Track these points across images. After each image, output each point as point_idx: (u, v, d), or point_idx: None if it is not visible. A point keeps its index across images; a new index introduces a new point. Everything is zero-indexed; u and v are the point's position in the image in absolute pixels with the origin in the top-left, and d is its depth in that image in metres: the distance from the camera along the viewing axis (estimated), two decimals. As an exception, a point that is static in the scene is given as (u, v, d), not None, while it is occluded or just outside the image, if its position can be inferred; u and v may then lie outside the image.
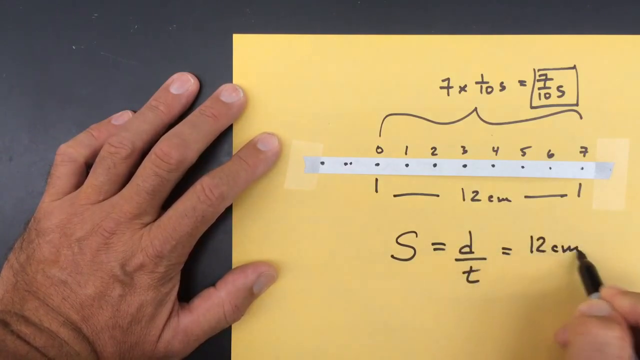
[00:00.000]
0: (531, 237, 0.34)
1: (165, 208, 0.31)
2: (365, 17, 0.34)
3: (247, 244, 0.34)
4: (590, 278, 0.31)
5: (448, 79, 0.34)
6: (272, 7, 0.34)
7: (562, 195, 0.34)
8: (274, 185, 0.34)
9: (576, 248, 0.33)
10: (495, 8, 0.34)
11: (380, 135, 0.34)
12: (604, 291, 0.30)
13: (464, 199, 0.34)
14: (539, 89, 0.34)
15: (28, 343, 0.28)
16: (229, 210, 0.34)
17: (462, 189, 0.34)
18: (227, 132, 0.34)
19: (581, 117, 0.33)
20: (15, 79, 0.35)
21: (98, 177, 0.31)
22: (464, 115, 0.34)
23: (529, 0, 0.34)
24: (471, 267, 0.34)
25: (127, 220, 0.30)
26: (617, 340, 0.26)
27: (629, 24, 0.33)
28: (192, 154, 0.31)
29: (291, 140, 0.34)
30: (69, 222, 0.30)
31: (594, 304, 0.29)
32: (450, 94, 0.34)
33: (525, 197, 0.34)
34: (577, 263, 0.33)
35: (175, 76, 0.34)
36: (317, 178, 0.34)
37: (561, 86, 0.33)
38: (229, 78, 0.34)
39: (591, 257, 0.33)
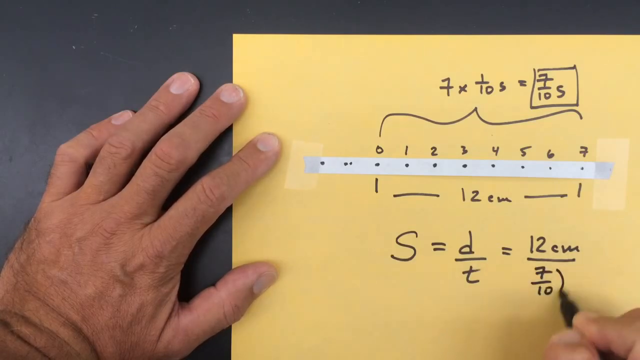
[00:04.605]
0: (531, 237, 0.34)
1: (166, 208, 0.31)
2: (365, 17, 0.34)
3: (247, 244, 0.34)
4: (571, 315, 0.31)
5: (448, 79, 0.34)
6: (272, 7, 0.34)
7: (562, 195, 0.34)
8: (274, 185, 0.34)
9: (561, 288, 0.33)
10: (495, 8, 0.34)
11: (380, 135, 0.34)
12: (576, 320, 0.29)
13: (464, 199, 0.34)
14: (539, 89, 0.34)
15: (28, 343, 0.28)
16: (229, 210, 0.34)
17: (462, 189, 0.34)
18: (227, 132, 0.34)
19: (581, 117, 0.33)
20: (15, 79, 0.35)
21: (98, 177, 0.31)
22: (464, 115, 0.34)
23: (529, 0, 0.34)
24: (471, 267, 0.34)
25: (127, 221, 0.30)
26: None
27: (629, 24, 0.33)
28: (192, 154, 0.31)
29: (291, 140, 0.34)
30: (69, 222, 0.30)
31: (564, 334, 0.29)
32: (450, 94, 0.34)
33: (525, 197, 0.34)
34: (559, 301, 0.33)
35: (175, 76, 0.34)
36: (317, 178, 0.34)
37: (561, 86, 0.33)
38: (229, 78, 0.34)
39: (591, 257, 0.33)
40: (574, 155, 0.33)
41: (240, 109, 0.34)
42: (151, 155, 0.30)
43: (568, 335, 0.29)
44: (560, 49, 0.33)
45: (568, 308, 0.32)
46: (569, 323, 0.31)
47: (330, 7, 0.34)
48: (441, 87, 0.34)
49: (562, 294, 0.33)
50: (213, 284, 0.33)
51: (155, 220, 0.31)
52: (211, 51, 0.34)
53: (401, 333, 0.34)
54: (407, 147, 0.34)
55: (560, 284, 0.34)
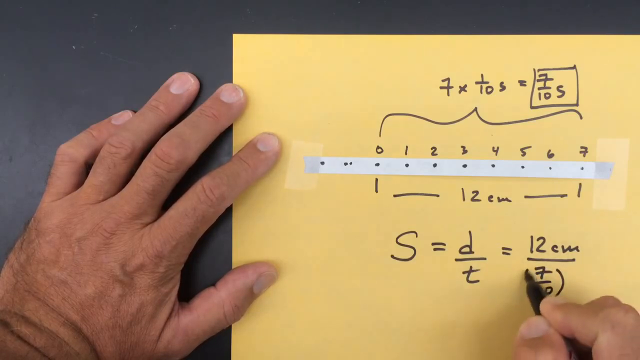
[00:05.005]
0: (531, 237, 0.34)
1: (166, 208, 0.31)
2: (365, 17, 0.34)
3: (247, 244, 0.34)
4: (536, 298, 0.31)
5: (448, 79, 0.34)
6: (272, 7, 0.34)
7: (562, 195, 0.34)
8: (274, 185, 0.34)
9: (526, 270, 0.33)
10: (495, 8, 0.34)
11: (380, 135, 0.34)
12: (542, 307, 0.29)
13: (464, 199, 0.34)
14: (539, 89, 0.34)
15: (28, 343, 0.28)
16: (229, 210, 0.34)
17: (462, 189, 0.34)
18: (227, 132, 0.34)
19: (581, 117, 0.33)
20: (15, 79, 0.35)
21: (98, 177, 0.31)
22: (464, 115, 0.34)
23: (529, 0, 0.34)
24: (471, 267, 0.34)
25: (127, 221, 0.30)
26: None
27: (629, 24, 0.33)
28: (192, 154, 0.31)
29: (291, 140, 0.34)
30: (69, 222, 0.30)
31: (531, 323, 0.29)
32: (450, 94, 0.34)
33: (525, 197, 0.34)
34: (525, 284, 0.33)
35: (175, 76, 0.34)
36: (317, 178, 0.34)
37: (561, 86, 0.33)
38: (229, 78, 0.34)
39: (591, 257, 0.33)
40: (574, 155, 0.33)
41: (240, 109, 0.34)
42: (151, 155, 0.30)
43: (535, 324, 0.29)
44: (560, 49, 0.33)
45: (533, 292, 0.32)
46: (536, 308, 0.31)
47: (330, 7, 0.34)
48: (441, 87, 0.34)
49: (528, 277, 0.33)
50: (213, 284, 0.33)
51: (155, 220, 0.31)
52: (211, 51, 0.34)
53: (401, 333, 0.34)
54: (407, 147, 0.34)
55: (561, 284, 0.34)
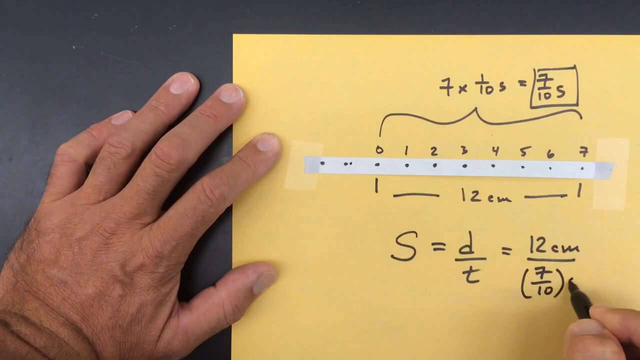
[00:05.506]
0: (531, 237, 0.34)
1: (166, 208, 0.31)
2: (365, 17, 0.34)
3: (247, 244, 0.34)
4: (582, 304, 0.31)
5: (448, 79, 0.34)
6: (272, 7, 0.34)
7: (562, 195, 0.34)
8: (274, 185, 0.34)
9: (570, 279, 0.33)
10: (495, 8, 0.34)
11: (380, 135, 0.34)
12: (592, 311, 0.30)
13: (464, 199, 0.34)
14: (539, 89, 0.34)
15: (28, 343, 0.28)
16: (229, 210, 0.34)
17: (462, 189, 0.34)
18: (227, 132, 0.34)
19: (581, 117, 0.33)
20: (15, 79, 0.35)
21: (98, 177, 0.31)
22: (464, 115, 0.34)
23: (529, 0, 0.34)
24: (471, 267, 0.34)
25: (127, 221, 0.30)
26: (613, 355, 0.27)
27: (629, 24, 0.33)
28: (192, 154, 0.31)
29: (291, 140, 0.34)
30: (69, 222, 0.30)
31: (584, 323, 0.29)
32: (450, 94, 0.34)
33: (525, 197, 0.34)
34: (569, 294, 0.33)
35: (175, 76, 0.34)
36: (317, 178, 0.34)
37: (561, 86, 0.33)
38: (229, 78, 0.34)
39: (591, 257, 0.33)
40: (574, 155, 0.33)
41: (240, 109, 0.34)
42: (151, 155, 0.30)
43: (588, 325, 0.29)
44: (560, 49, 0.33)
45: (579, 299, 0.32)
46: (581, 314, 0.31)
47: (330, 7, 0.34)
48: (441, 87, 0.34)
49: (572, 286, 0.33)
50: (213, 284, 0.33)
51: (155, 220, 0.31)
52: (211, 51, 0.34)
53: (401, 333, 0.34)
54: (407, 147, 0.34)
55: (561, 284, 0.34)
